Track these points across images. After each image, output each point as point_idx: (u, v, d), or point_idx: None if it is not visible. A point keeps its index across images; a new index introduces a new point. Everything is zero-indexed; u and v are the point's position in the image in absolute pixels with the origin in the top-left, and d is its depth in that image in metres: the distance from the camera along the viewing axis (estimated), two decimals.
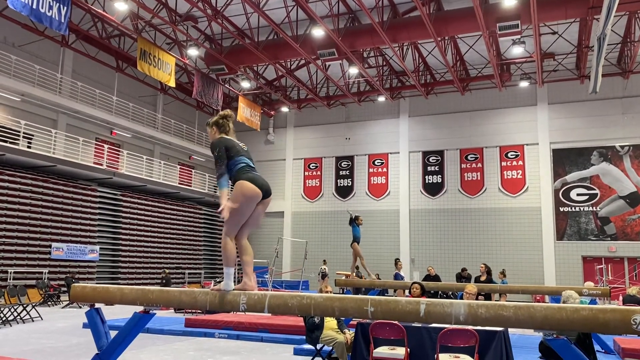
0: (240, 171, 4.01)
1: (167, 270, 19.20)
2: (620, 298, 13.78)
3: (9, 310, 11.75)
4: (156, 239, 21.87)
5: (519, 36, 17.42)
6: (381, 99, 24.10)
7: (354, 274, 12.86)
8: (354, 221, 11.21)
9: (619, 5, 11.86)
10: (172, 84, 19.00)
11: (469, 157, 23.39)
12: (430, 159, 24.03)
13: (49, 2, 13.55)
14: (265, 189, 4.01)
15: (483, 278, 13.09)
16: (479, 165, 23.18)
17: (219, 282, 4.21)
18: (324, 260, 21.49)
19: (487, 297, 11.31)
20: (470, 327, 5.69)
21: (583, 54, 19.66)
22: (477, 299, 7.70)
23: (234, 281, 4.06)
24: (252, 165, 4.11)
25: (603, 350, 8.53)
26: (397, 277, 14.65)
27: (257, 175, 4.03)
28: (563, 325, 3.03)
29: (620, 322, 2.93)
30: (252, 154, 4.26)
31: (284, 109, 26.38)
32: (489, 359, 5.77)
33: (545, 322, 3.06)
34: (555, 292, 10.95)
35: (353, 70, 21.38)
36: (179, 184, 23.86)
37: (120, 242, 20.31)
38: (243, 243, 4.09)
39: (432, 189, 23.79)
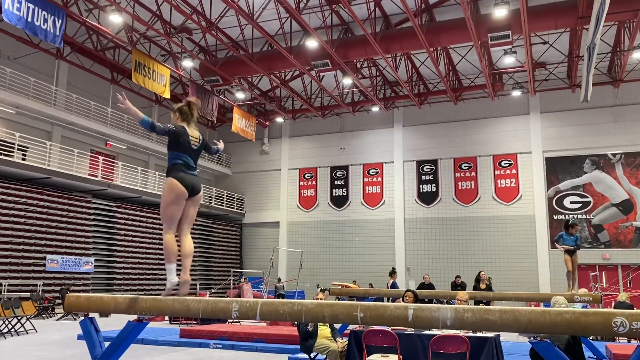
0: (173, 167, 4.21)
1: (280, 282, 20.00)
2: (613, 305, 13.84)
3: (3, 322, 11.73)
4: (151, 250, 21.84)
5: (510, 46, 17.63)
6: (375, 109, 24.25)
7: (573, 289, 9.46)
8: (570, 228, 9.35)
9: (608, 15, 12.03)
10: (167, 95, 19.10)
11: (462, 166, 23.52)
12: (425, 168, 24.15)
13: (44, 15, 13.66)
14: (192, 188, 4.22)
15: (482, 286, 13.16)
16: (473, 174, 23.31)
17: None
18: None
19: (488, 305, 11.33)
20: (461, 334, 5.76)
21: (574, 63, 19.90)
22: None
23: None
24: (191, 164, 4.28)
25: (595, 357, 8.57)
26: (394, 285, 14.83)
27: (187, 174, 4.23)
28: (547, 328, 3.10)
29: (601, 325, 3.00)
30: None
31: (279, 120, 26.49)
32: None
33: (529, 326, 3.13)
34: (548, 299, 10.94)
35: (347, 81, 21.53)
36: None
37: (115, 253, 20.30)
38: (183, 239, 4.31)
39: (427, 198, 23.89)
